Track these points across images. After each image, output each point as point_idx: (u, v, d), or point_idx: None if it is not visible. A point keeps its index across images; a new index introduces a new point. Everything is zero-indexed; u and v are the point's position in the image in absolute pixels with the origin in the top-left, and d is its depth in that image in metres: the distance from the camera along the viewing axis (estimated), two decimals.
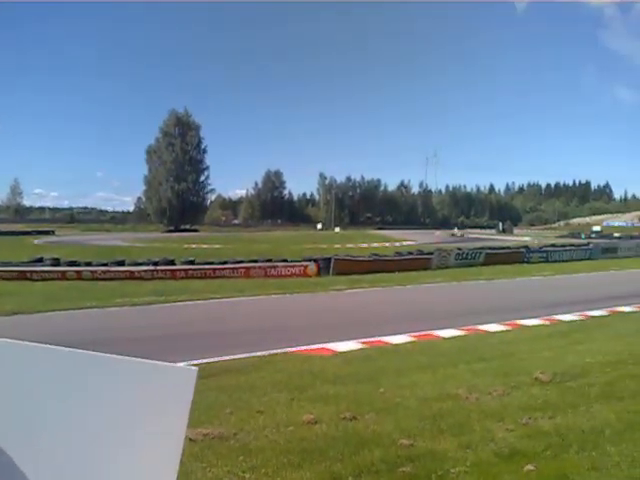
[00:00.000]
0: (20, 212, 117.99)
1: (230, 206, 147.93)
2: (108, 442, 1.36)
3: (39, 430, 1.33)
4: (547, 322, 12.66)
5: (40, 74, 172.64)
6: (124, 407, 1.36)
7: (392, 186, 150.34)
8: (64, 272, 24.22)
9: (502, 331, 11.70)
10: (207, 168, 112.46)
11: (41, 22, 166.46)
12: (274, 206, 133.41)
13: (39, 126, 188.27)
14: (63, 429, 1.35)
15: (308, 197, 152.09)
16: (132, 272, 24.37)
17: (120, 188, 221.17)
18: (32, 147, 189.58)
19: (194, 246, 46.80)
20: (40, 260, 26.34)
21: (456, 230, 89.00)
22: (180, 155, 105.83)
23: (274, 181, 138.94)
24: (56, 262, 25.72)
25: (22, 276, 23.54)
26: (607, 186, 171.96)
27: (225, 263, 25.99)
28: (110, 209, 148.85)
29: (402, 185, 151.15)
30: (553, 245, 38.89)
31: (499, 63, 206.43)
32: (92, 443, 1.35)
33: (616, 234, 68.99)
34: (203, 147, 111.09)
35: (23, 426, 1.33)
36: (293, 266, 25.79)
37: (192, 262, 26.16)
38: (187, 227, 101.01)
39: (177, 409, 1.38)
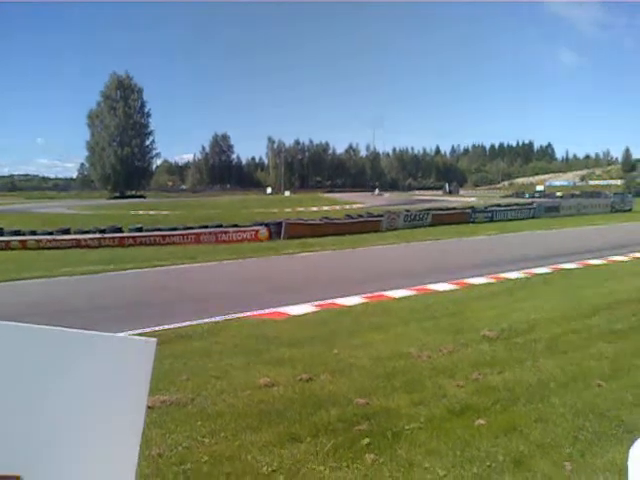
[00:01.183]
0: None
1: (177, 171, 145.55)
2: (69, 416, 1.35)
3: None
4: (493, 280, 13.02)
5: None
6: (83, 381, 1.35)
7: (341, 149, 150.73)
8: (8, 242, 23.55)
9: (450, 290, 11.98)
10: (152, 132, 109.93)
11: None
12: (222, 171, 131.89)
13: None
14: (20, 405, 1.33)
15: (257, 161, 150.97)
16: (78, 240, 23.84)
17: (62, 154, 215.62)
18: None
19: (141, 212, 45.94)
20: None
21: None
22: (123, 119, 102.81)
23: (222, 145, 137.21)
24: None
25: None
26: (549, 146, 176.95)
27: (174, 229, 25.66)
28: (53, 176, 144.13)
29: (350, 148, 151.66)
30: (498, 205, 39.80)
31: (443, 29, 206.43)
32: (52, 418, 1.34)
33: (558, 193, 71.11)
34: (147, 111, 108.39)
35: None
36: (244, 231, 25.65)
37: (140, 229, 25.71)
38: (133, 193, 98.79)
39: (137, 380, 1.38)
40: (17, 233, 24.75)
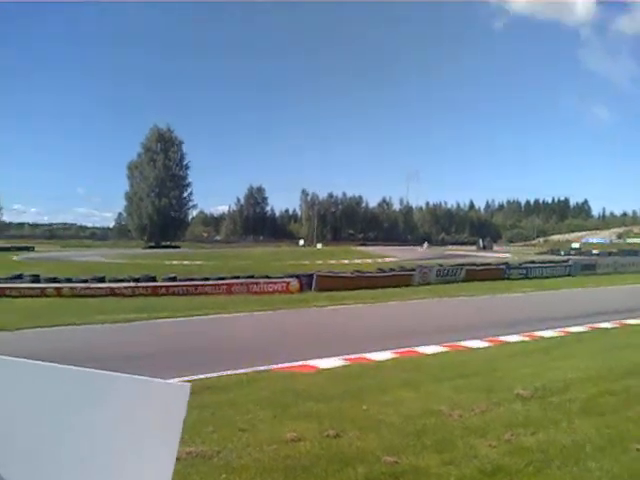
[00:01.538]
0: None
1: (212, 222, 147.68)
2: (103, 458, 1.36)
3: (31, 448, 1.33)
4: (528, 338, 12.76)
5: (20, 88, 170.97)
6: (118, 423, 1.37)
7: (373, 203, 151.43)
8: (44, 289, 23.93)
9: (483, 347, 11.77)
10: (189, 184, 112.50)
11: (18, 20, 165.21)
12: (256, 222, 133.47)
13: (18, 140, 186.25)
14: (55, 446, 1.35)
15: (290, 213, 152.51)
16: (113, 289, 24.13)
17: (101, 204, 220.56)
18: (11, 161, 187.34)
19: (175, 262, 46.50)
20: (19, 277, 25.98)
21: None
22: (162, 171, 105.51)
23: (256, 197, 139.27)
24: (36, 278, 25.38)
25: (1, 293, 23.21)
26: (586, 203, 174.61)
27: (207, 279, 25.82)
28: (90, 225, 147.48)
29: (384, 202, 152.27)
30: (533, 262, 39.26)
31: (479, 82, 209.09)
32: (87, 460, 1.36)
33: (595, 251, 69.89)
34: (185, 163, 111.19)
35: (14, 443, 1.33)
36: (275, 282, 25.71)
37: (174, 278, 25.95)
38: (168, 243, 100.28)
39: (170, 424, 1.39)
40: (53, 280, 25.25)
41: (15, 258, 52.87)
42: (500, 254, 66.23)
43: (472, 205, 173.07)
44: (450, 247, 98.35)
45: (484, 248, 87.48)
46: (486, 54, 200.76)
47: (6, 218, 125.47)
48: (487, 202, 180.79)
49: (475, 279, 30.27)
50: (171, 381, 1.44)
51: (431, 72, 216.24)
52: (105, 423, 1.38)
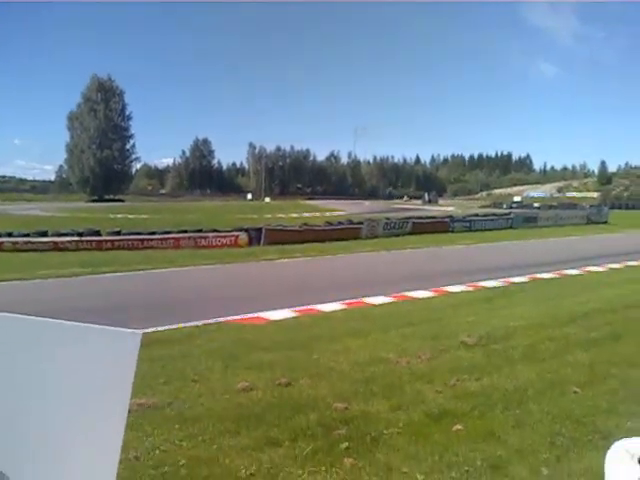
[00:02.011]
0: None
1: (156, 175, 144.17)
2: (53, 406, 1.34)
3: None
4: (471, 289, 13.14)
5: None
6: (68, 371, 1.35)
7: (322, 157, 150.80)
8: None
9: (429, 297, 12.07)
10: (132, 136, 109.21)
11: None
12: (203, 176, 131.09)
13: None
14: (3, 396, 1.32)
15: (238, 167, 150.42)
16: (56, 243, 23.49)
17: (41, 156, 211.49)
18: None
19: (120, 216, 45.50)
20: None
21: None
22: (103, 121, 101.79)
23: (202, 150, 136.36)
24: None
25: None
26: (528, 158, 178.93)
27: (153, 234, 25.36)
28: (30, 178, 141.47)
29: (332, 155, 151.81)
30: (476, 215, 40.17)
31: (428, 38, 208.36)
32: (36, 409, 1.33)
33: (536, 204, 71.85)
34: (128, 114, 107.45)
35: None
36: (224, 236, 25.49)
37: (118, 232, 25.41)
38: (112, 197, 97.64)
39: (122, 373, 1.38)
40: None
41: None
42: (445, 207, 67.44)
43: (418, 159, 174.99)
44: (397, 201, 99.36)
45: (429, 202, 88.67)
46: (433, 11, 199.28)
47: None
48: (432, 156, 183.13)
49: (421, 232, 30.84)
50: (122, 329, 1.42)
51: (382, 28, 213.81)
52: (55, 371, 1.35)
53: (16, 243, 23.23)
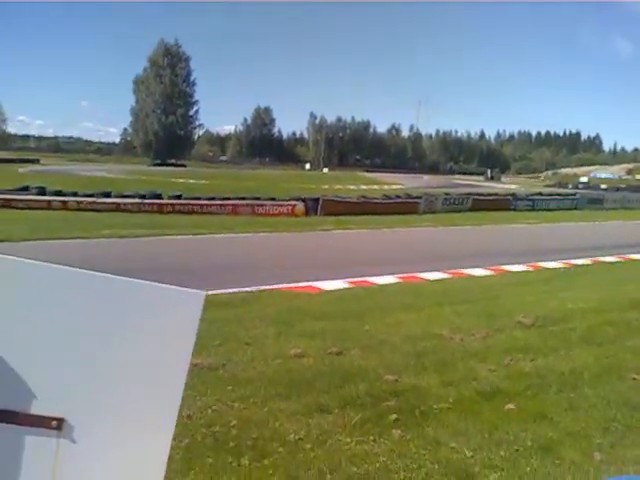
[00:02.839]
0: (4, 139, 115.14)
1: (218, 142, 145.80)
2: (116, 361, 1.38)
3: (47, 350, 1.34)
4: (531, 269, 12.85)
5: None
6: (134, 326, 1.38)
7: (382, 128, 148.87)
8: (50, 202, 24.03)
9: (487, 275, 11.88)
10: (196, 102, 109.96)
11: None
12: (263, 144, 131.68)
13: (22, 49, 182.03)
14: (71, 350, 1.36)
15: (297, 136, 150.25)
16: (118, 204, 24.25)
17: (106, 119, 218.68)
18: (15, 71, 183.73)
19: (181, 181, 46.40)
20: (25, 189, 26.05)
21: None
22: (168, 87, 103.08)
23: (264, 118, 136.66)
24: (42, 191, 25.46)
25: (7, 204, 23.25)
26: (597, 137, 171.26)
27: (213, 199, 25.85)
28: (96, 140, 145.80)
29: (393, 128, 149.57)
30: (540, 194, 39.05)
31: (496, 10, 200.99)
32: (101, 364, 1.37)
33: (603, 186, 69.29)
34: (192, 80, 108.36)
35: (31, 345, 1.34)
36: (281, 205, 25.71)
37: (179, 197, 26.01)
38: (174, 161, 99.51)
39: (185, 331, 1.40)
40: (59, 193, 25.29)
41: (21, 170, 52.72)
42: (507, 185, 65.80)
43: (482, 135, 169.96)
44: (458, 176, 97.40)
45: (492, 179, 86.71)
46: None
47: (11, 130, 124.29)
48: (498, 132, 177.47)
49: (482, 209, 30.23)
50: (185, 288, 1.43)
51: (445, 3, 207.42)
52: (120, 325, 1.39)
53: (80, 203, 24.06)
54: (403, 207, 28.37)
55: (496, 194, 37.48)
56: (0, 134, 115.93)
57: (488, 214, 28.27)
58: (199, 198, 26.03)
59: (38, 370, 1.33)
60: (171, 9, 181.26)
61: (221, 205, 25.17)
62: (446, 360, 6.08)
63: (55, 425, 1.33)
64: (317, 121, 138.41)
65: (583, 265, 13.59)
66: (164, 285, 1.41)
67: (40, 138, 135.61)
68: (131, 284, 1.39)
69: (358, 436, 4.27)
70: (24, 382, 1.32)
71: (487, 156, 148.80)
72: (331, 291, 9.77)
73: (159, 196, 25.80)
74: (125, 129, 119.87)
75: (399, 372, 5.61)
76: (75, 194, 25.14)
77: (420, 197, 30.35)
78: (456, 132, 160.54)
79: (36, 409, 1.33)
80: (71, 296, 1.34)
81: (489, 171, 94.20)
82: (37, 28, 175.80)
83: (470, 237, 20.37)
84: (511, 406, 4.89)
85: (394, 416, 4.62)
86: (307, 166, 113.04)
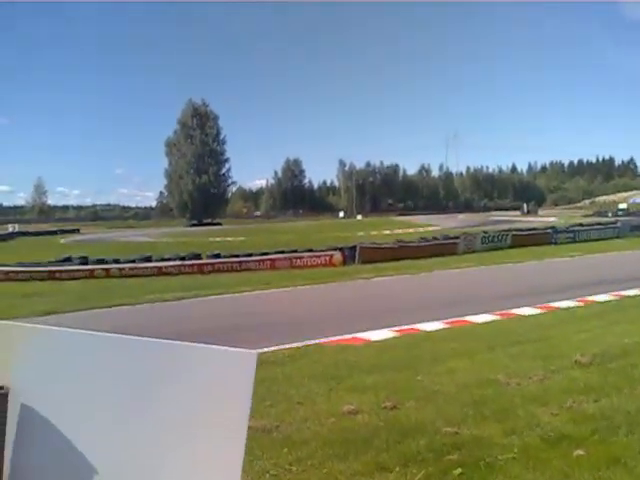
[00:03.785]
0: (45, 211, 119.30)
1: (251, 197, 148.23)
2: (173, 425, 1.36)
3: (103, 413, 1.34)
4: (581, 303, 12.49)
5: (51, 72, 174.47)
6: (188, 390, 1.37)
7: (412, 170, 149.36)
8: (92, 270, 24.62)
9: (536, 314, 11.57)
10: (227, 160, 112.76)
11: (47, 19, 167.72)
12: (295, 195, 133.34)
13: (56, 125, 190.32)
14: (126, 412, 1.35)
15: (328, 185, 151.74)
16: (159, 268, 24.66)
17: (141, 184, 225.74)
18: (51, 146, 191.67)
19: (219, 239, 47.09)
20: (68, 259, 26.74)
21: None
22: (199, 147, 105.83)
23: (293, 170, 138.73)
24: (84, 261, 26.10)
25: (51, 276, 23.94)
26: (632, 161, 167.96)
27: (251, 255, 26.10)
28: (133, 205, 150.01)
29: (422, 169, 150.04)
30: (580, 225, 38.34)
31: (516, 39, 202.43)
32: (156, 426, 1.35)
33: None
34: (222, 138, 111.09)
35: (88, 410, 1.33)
36: (319, 256, 25.76)
37: (218, 255, 26.34)
38: (210, 220, 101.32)
39: (240, 392, 1.38)
40: (101, 262, 25.89)
41: (62, 241, 54.36)
42: (545, 218, 64.86)
43: (514, 168, 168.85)
44: (493, 213, 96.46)
45: (528, 213, 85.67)
46: (521, 10, 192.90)
47: (51, 201, 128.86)
48: (529, 164, 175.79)
49: (522, 245, 29.77)
50: (237, 349, 1.42)
51: (465, 29, 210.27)
52: (177, 390, 1.38)
53: (122, 269, 24.57)
54: (441, 249, 28.11)
55: (535, 228, 36.90)
56: (41, 206, 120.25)
57: (529, 250, 27.79)
58: (237, 255, 26.32)
59: (108, 435, 1.33)
60: (193, 71, 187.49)
61: (259, 261, 25.38)
62: (505, 407, 5.87)
63: None
64: (346, 168, 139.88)
65: (635, 296, 13.14)
66: (217, 346, 1.40)
67: (79, 208, 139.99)
68: (185, 347, 1.39)
69: None
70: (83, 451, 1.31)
71: (521, 190, 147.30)
72: (378, 341, 9.63)
73: (198, 256, 26.18)
74: (161, 192, 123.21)
75: (458, 423, 5.44)
76: (117, 261, 25.71)
77: (458, 237, 30.10)
78: (487, 168, 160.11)
79: None
80: (130, 363, 1.35)
81: (525, 205, 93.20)
82: (69, 103, 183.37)
83: (513, 275, 19.98)
84: (580, 452, 4.67)
85: (459, 470, 4.45)
86: (341, 214, 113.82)
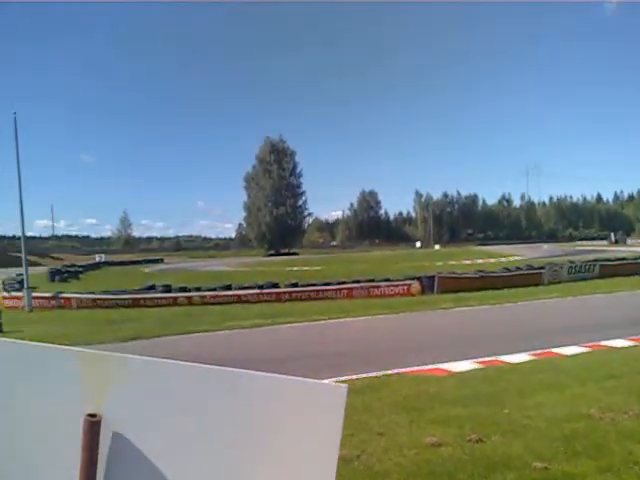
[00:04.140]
0: (130, 242, 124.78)
1: (327, 228, 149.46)
2: (265, 457, 1.34)
3: (194, 445, 1.34)
4: None
5: (128, 108, 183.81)
6: (279, 423, 1.35)
7: (491, 200, 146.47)
8: (175, 298, 25.42)
9: (629, 347, 10.92)
10: (304, 192, 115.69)
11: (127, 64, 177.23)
12: (371, 226, 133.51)
13: (141, 160, 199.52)
14: (218, 444, 1.34)
15: (405, 215, 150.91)
16: (239, 296, 25.20)
17: (221, 216, 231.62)
18: (134, 180, 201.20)
19: (296, 269, 47.59)
20: (152, 287, 27.77)
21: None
22: (277, 181, 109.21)
23: (369, 201, 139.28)
24: (167, 289, 27.01)
25: (136, 303, 24.95)
26: None
27: (328, 284, 26.21)
28: (213, 236, 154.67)
29: (503, 198, 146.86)
30: None
31: (594, 65, 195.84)
32: (245, 462, 1.34)
33: None
34: (298, 171, 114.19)
35: (179, 440, 1.34)
36: (396, 285, 25.54)
37: (295, 284, 26.61)
38: (287, 250, 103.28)
39: (330, 426, 1.35)
40: (183, 290, 26.72)
41: (146, 270, 56.55)
42: (635, 247, 61.66)
43: (599, 197, 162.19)
44: (578, 243, 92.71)
45: (616, 242, 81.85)
46: (598, 30, 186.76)
47: (136, 233, 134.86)
48: (615, 193, 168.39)
49: (611, 275, 28.39)
50: (327, 382, 1.39)
51: (541, 57, 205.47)
52: (269, 423, 1.36)
53: (204, 297, 25.26)
54: (525, 279, 27.21)
55: (624, 258, 35.10)
56: (126, 238, 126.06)
57: (618, 280, 26.44)
58: (314, 284, 26.48)
59: (182, 470, 1.33)
60: (268, 107, 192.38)
61: (336, 290, 25.43)
62: (599, 443, 5.52)
63: None
64: (423, 198, 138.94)
65: None
66: (308, 380, 1.38)
67: (162, 239, 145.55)
68: (278, 380, 1.37)
69: None
70: None
71: (607, 219, 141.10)
72: (460, 373, 9.34)
73: (276, 285, 26.53)
74: (240, 224, 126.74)
75: (548, 459, 5.15)
76: (198, 289, 26.45)
77: (543, 267, 29.01)
78: (570, 197, 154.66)
79: None
80: (222, 394, 1.34)
81: (613, 234, 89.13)
82: (154, 147, 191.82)
83: (603, 306, 19.00)
84: None
85: None
86: (417, 244, 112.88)
